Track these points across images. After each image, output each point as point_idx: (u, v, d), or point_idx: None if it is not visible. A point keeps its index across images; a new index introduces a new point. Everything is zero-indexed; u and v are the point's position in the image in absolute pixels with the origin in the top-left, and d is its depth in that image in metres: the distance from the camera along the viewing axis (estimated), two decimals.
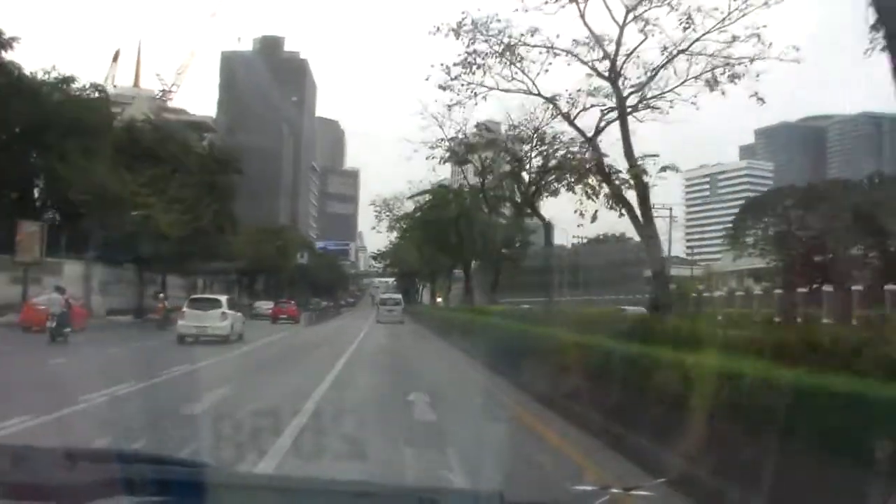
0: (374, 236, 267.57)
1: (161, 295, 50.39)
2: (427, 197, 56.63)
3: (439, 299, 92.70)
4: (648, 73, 27.61)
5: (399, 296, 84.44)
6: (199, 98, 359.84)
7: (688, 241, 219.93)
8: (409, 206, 63.21)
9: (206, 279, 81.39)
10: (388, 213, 73.26)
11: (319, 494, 3.42)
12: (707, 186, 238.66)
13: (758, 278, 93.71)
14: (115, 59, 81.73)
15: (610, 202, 30.60)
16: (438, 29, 29.83)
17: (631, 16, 26.59)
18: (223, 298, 36.19)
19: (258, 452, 9.33)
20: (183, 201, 54.63)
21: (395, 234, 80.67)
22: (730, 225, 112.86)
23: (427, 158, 43.76)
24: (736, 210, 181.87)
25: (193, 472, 3.31)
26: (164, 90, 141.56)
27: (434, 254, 65.98)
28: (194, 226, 55.36)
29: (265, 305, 77.01)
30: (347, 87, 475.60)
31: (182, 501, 3.04)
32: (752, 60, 26.39)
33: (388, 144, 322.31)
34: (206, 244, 60.28)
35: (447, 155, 43.98)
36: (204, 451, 9.02)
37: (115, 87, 66.11)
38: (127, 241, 52.17)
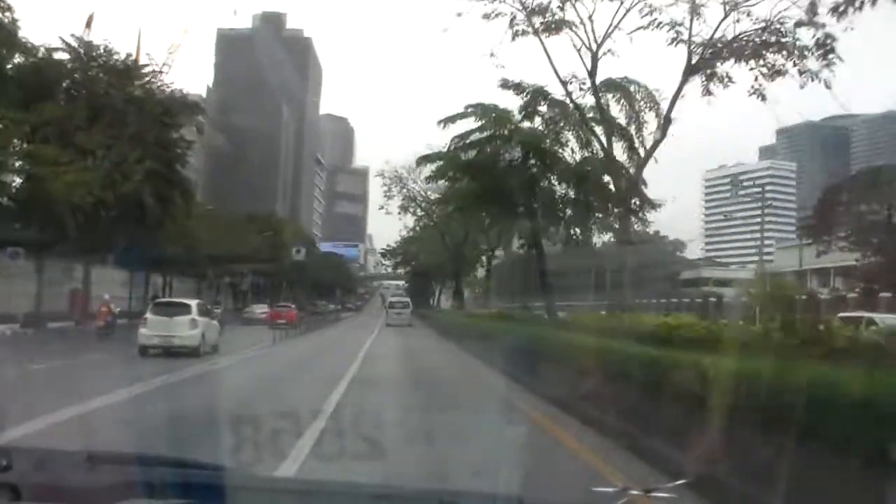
0: (382, 223, 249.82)
1: (106, 296, 38.10)
2: (475, 123, 30.92)
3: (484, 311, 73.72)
4: None
5: (407, 300, 79.65)
6: (194, 79, 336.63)
7: (707, 242, 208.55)
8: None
9: (168, 276, 61.59)
10: (400, 189, 54.25)
11: (339, 496, 3.42)
12: (728, 187, 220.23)
13: (849, 277, 74.80)
14: (89, 24, 63.37)
15: None
16: None
17: None
18: (193, 303, 30.24)
19: None
20: (97, 155, 35.12)
21: (408, 216, 61.59)
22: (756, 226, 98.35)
23: (485, 17, 24.98)
24: (759, 211, 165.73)
25: (213, 475, 3.25)
26: (153, 71, 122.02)
27: (474, 227, 45.70)
28: (116, 190, 35.71)
29: (259, 309, 67.23)
30: (357, 79, 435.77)
31: None
32: None
33: (401, 140, 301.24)
34: (140, 220, 40.55)
35: (522, 19, 24.12)
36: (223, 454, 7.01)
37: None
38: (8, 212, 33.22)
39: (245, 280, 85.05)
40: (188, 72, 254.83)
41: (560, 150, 29.15)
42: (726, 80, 23.73)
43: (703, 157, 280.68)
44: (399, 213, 60.48)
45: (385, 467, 8.14)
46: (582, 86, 25.82)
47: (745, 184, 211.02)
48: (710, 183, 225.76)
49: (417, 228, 70.01)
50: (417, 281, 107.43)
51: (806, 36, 22.28)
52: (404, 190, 57.11)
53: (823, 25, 21.64)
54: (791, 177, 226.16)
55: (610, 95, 26.95)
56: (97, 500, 2.89)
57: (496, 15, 24.84)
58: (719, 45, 23.17)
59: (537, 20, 23.75)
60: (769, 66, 22.87)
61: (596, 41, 24.70)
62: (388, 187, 57.45)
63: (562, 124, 28.44)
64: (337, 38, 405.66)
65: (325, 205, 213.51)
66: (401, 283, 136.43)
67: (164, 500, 2.90)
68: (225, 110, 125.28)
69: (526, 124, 29.07)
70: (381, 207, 59.35)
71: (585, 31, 24.50)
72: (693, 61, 23.59)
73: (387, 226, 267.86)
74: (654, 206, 29.76)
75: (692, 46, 23.80)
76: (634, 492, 3.32)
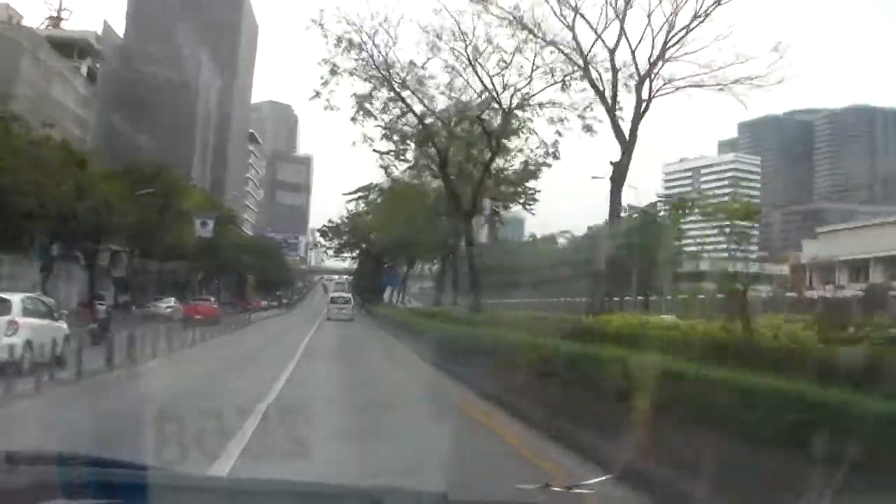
0: (328, 210, 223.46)
1: None
2: None
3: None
4: None
5: (349, 296, 72.32)
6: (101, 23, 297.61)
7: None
8: None
9: None
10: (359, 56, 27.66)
11: (265, 495, 3.20)
12: (689, 180, 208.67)
13: None
14: None
15: None
16: None
17: None
18: (14, 298, 20.96)
19: None
20: None
21: (369, 125, 33.65)
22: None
23: None
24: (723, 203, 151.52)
25: (136, 474, 3.04)
26: (52, 17, 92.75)
27: None
28: None
29: (165, 304, 54.74)
30: (301, 60, 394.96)
31: None
32: None
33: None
34: None
35: None
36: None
37: None
38: None
39: (118, 261, 56.04)
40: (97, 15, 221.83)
41: None
42: None
43: (661, 150, 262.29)
44: (356, 113, 32.17)
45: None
46: None
47: (709, 177, 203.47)
48: (669, 176, 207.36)
49: (390, 145, 40.03)
50: (368, 269, 79.30)
51: None
52: (365, 55, 29.60)
53: None
54: (756, 171, 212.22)
55: None
56: (16, 501, 2.72)
57: None
58: None
59: None
60: None
61: None
62: (332, 56, 30.07)
63: None
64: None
65: (265, 193, 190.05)
66: (345, 277, 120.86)
67: (85, 501, 2.71)
68: (132, 56, 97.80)
69: None
70: (316, 95, 30.99)
71: None
72: None
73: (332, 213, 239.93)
74: None
75: None
76: (557, 488, 3.38)
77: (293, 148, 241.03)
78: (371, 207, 65.29)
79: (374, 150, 40.43)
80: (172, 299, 56.06)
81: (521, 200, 43.60)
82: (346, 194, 59.94)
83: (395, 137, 34.61)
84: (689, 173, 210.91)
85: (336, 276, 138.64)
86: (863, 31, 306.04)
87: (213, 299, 62.41)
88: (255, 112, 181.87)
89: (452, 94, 32.00)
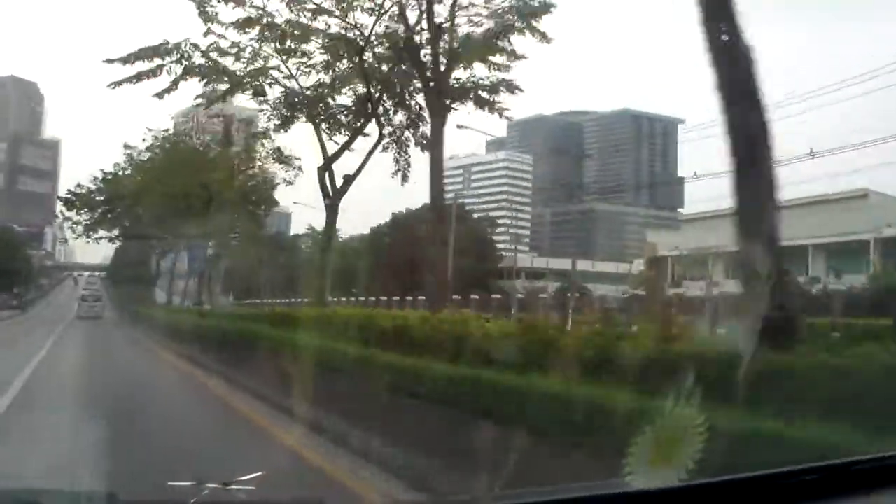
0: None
1: None
2: None
3: None
4: None
5: (100, 293, 71.25)
6: None
7: None
8: None
9: None
10: None
11: None
12: (460, 179, 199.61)
13: None
14: None
15: None
16: None
17: None
18: None
19: None
20: None
21: None
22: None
23: None
24: (496, 201, 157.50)
25: None
26: None
27: None
28: None
29: None
30: (50, 37, 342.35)
31: None
32: None
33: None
34: None
35: None
36: None
37: None
38: None
39: None
40: None
41: None
42: None
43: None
44: None
45: None
46: None
47: (480, 175, 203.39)
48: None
49: None
50: (130, 257, 58.85)
51: None
52: None
53: None
54: (527, 169, 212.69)
55: None
56: None
57: None
58: None
59: None
60: None
61: None
62: None
63: None
64: None
65: (4, 180, 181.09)
66: (97, 273, 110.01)
67: None
68: None
69: None
70: None
71: None
72: None
73: None
74: None
75: None
76: (212, 485, 3.19)
77: (38, 130, 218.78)
78: (134, 169, 45.41)
79: None
80: None
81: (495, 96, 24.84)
82: (109, 61, 29.14)
83: None
84: (460, 171, 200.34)
85: (87, 274, 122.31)
86: (631, 37, 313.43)
87: None
88: None
89: None
